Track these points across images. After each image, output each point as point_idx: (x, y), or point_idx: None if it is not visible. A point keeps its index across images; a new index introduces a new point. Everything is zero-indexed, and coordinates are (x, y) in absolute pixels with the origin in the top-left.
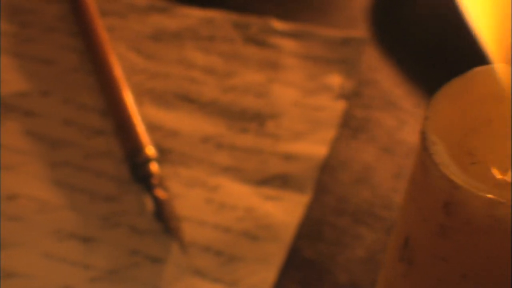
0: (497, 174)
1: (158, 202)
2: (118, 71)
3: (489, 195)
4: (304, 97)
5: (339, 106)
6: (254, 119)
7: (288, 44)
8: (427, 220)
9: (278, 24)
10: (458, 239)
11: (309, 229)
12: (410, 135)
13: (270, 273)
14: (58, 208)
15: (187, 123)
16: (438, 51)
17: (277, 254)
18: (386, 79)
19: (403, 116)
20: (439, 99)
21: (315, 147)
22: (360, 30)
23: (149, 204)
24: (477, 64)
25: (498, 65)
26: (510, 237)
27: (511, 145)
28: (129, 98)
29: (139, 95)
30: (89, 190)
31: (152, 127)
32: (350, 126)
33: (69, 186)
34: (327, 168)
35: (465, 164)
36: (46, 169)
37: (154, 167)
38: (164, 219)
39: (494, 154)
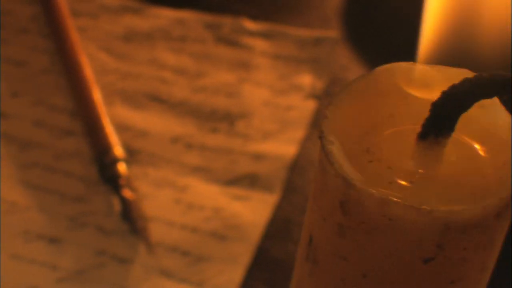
0: (394, 172)
1: (125, 203)
2: (88, 72)
3: (382, 195)
4: (275, 97)
5: (310, 105)
6: (224, 119)
7: (260, 44)
8: (326, 220)
9: (249, 24)
10: (356, 239)
11: (278, 229)
12: None
13: (237, 273)
14: (27, 209)
15: (157, 123)
16: (409, 50)
17: (244, 254)
18: None
19: None
20: (341, 98)
21: (285, 147)
22: (332, 30)
23: (117, 205)
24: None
25: (401, 63)
26: (405, 237)
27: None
28: (98, 98)
29: (110, 95)
30: (58, 191)
31: (122, 128)
32: None
33: (38, 187)
34: (297, 168)
35: (363, 162)
36: (15, 170)
37: (122, 167)
38: (131, 220)
39: (392, 151)
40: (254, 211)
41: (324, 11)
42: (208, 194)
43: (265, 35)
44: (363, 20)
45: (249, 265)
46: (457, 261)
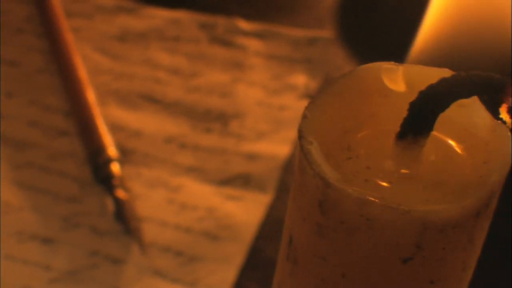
0: (373, 172)
1: (118, 203)
2: (82, 72)
3: (360, 194)
4: (268, 96)
5: (303, 105)
6: (218, 119)
7: (254, 44)
8: (306, 219)
9: (243, 24)
10: (334, 238)
11: (271, 229)
12: None
13: (230, 273)
14: (20, 209)
15: (151, 123)
16: (403, 51)
17: (237, 254)
18: None
19: None
20: (321, 98)
21: (278, 147)
22: (326, 30)
23: (110, 205)
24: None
25: (383, 63)
26: (383, 237)
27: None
28: (92, 99)
29: (104, 96)
30: (52, 191)
31: (116, 128)
32: None
33: (32, 187)
34: (290, 168)
35: (342, 161)
36: (10, 170)
37: (115, 168)
38: (124, 220)
39: (372, 150)
40: (248, 211)
41: (318, 11)
42: (202, 194)
43: (259, 35)
44: (357, 20)
45: (242, 265)
46: (436, 261)
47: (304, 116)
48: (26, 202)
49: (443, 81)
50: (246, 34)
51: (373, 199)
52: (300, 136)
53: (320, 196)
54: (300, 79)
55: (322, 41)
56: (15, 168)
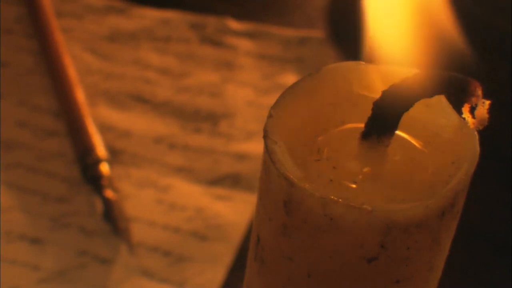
0: (338, 172)
1: (107, 203)
2: (71, 72)
3: (322, 194)
4: (258, 96)
5: None
6: (208, 119)
7: (244, 44)
8: (272, 219)
9: (234, 24)
10: (299, 238)
11: None
12: None
13: (218, 273)
14: (9, 209)
15: (140, 123)
16: None
17: (225, 254)
18: None
19: None
20: (286, 97)
21: None
22: (317, 30)
23: (99, 205)
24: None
25: (349, 62)
26: (347, 237)
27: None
28: (81, 99)
29: (94, 96)
30: (40, 192)
31: (105, 128)
32: None
33: (21, 187)
34: None
35: (310, 162)
36: None
37: (104, 168)
38: (113, 220)
39: (338, 150)
40: (236, 211)
41: (309, 10)
42: (191, 194)
43: (249, 35)
44: (348, 19)
45: (231, 265)
46: (401, 260)
47: (269, 115)
48: (15, 202)
49: (405, 81)
50: (237, 34)
51: (336, 198)
52: (265, 135)
53: (284, 196)
54: (291, 79)
55: (313, 40)
56: (3, 168)
